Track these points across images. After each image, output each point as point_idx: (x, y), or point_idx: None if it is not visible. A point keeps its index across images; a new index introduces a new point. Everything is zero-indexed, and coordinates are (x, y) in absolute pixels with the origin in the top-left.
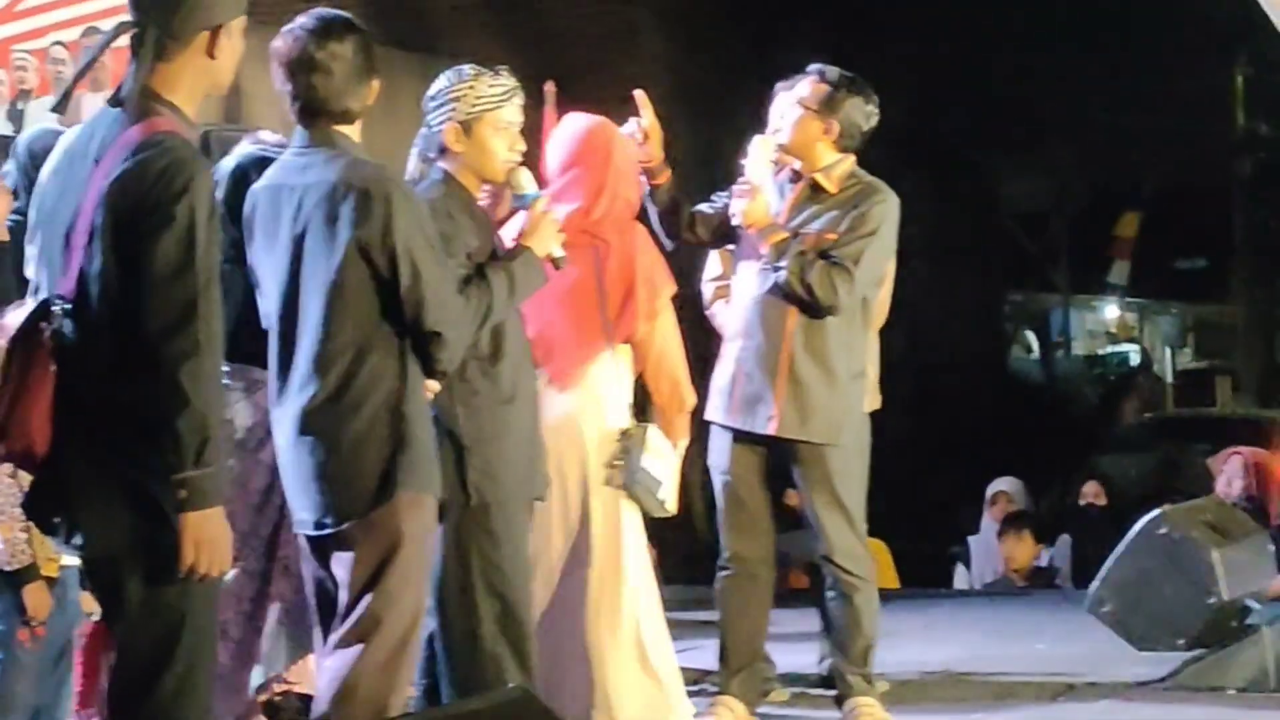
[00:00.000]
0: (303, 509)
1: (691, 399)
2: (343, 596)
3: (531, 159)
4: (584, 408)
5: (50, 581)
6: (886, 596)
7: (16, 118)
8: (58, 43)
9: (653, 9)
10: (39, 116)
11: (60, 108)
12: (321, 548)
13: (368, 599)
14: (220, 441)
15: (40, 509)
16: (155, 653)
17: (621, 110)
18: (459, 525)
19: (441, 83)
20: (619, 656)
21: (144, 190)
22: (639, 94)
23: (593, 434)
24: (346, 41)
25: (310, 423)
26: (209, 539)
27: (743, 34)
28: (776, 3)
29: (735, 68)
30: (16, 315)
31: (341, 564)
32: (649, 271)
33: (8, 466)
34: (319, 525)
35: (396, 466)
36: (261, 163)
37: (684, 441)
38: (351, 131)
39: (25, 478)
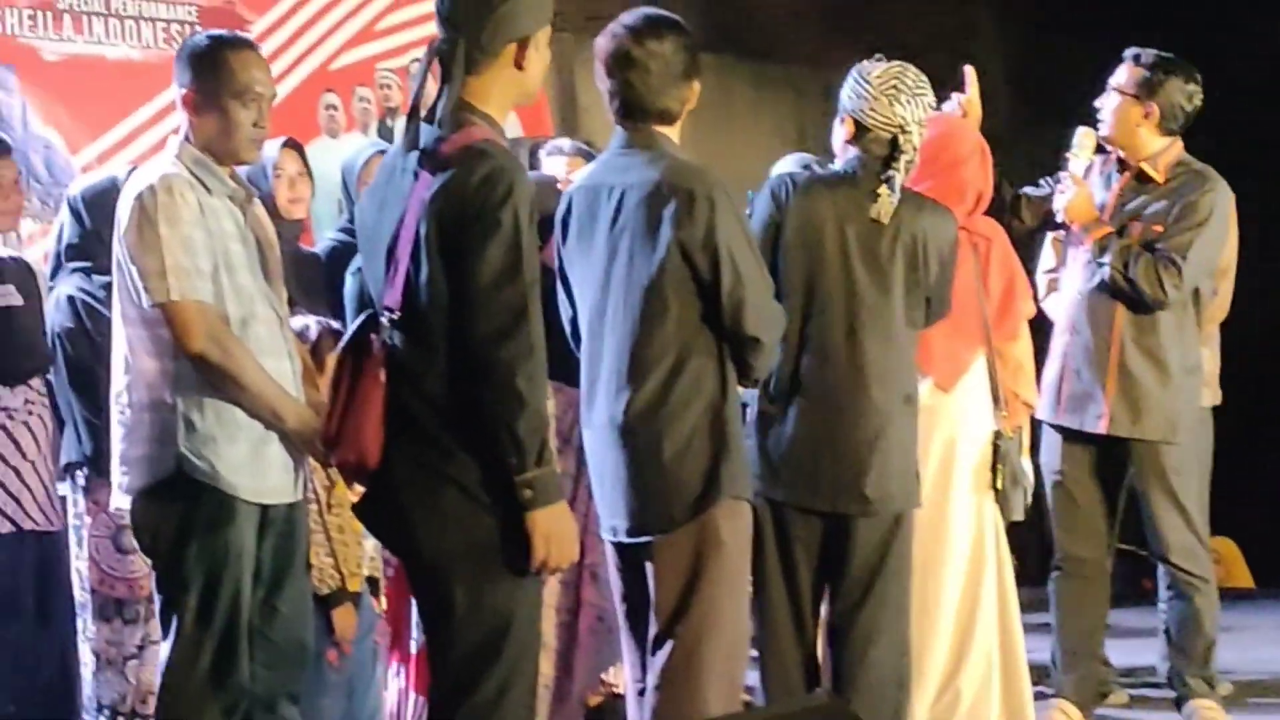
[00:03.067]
0: (617, 516)
1: (1036, 403)
2: (659, 603)
3: None
4: (961, 409)
5: (354, 598)
6: (1239, 595)
7: (386, 135)
8: (417, 60)
9: (992, 8)
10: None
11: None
12: (633, 555)
13: (693, 606)
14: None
15: (372, 517)
16: (481, 655)
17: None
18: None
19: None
20: (974, 654)
21: (467, 198)
22: (969, 69)
23: (966, 436)
24: (666, 40)
25: (630, 430)
26: (558, 534)
27: (1085, 31)
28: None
29: (1075, 65)
30: (298, 322)
31: (658, 571)
32: (1020, 268)
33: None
34: (636, 532)
35: (720, 473)
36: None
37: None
38: (672, 133)
39: (323, 502)
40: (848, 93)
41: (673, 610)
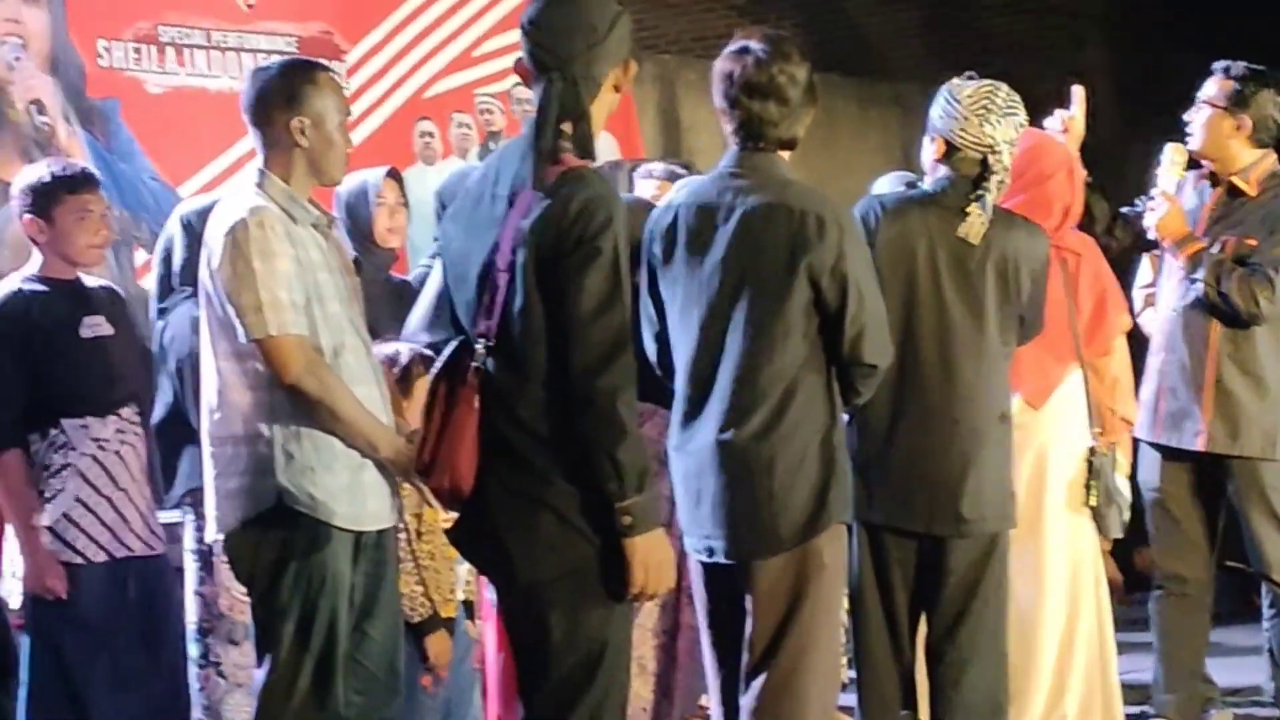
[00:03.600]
0: (715, 538)
1: (1136, 419)
2: (757, 626)
3: None
4: (1053, 426)
5: (448, 624)
6: None
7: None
8: (519, 84)
9: (1096, 20)
10: None
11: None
12: (730, 576)
13: (792, 630)
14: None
15: (467, 542)
16: (575, 680)
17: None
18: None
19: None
20: (1075, 674)
21: (566, 227)
22: (1077, 89)
23: (1059, 453)
24: (801, 66)
25: (741, 451)
26: (657, 560)
27: (1191, 43)
28: (1227, 9)
29: (1184, 80)
30: (389, 347)
31: (758, 594)
32: (1113, 282)
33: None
34: (738, 555)
35: (828, 498)
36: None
37: (1127, 462)
38: (786, 156)
39: (413, 530)
40: (938, 111)
41: (772, 634)
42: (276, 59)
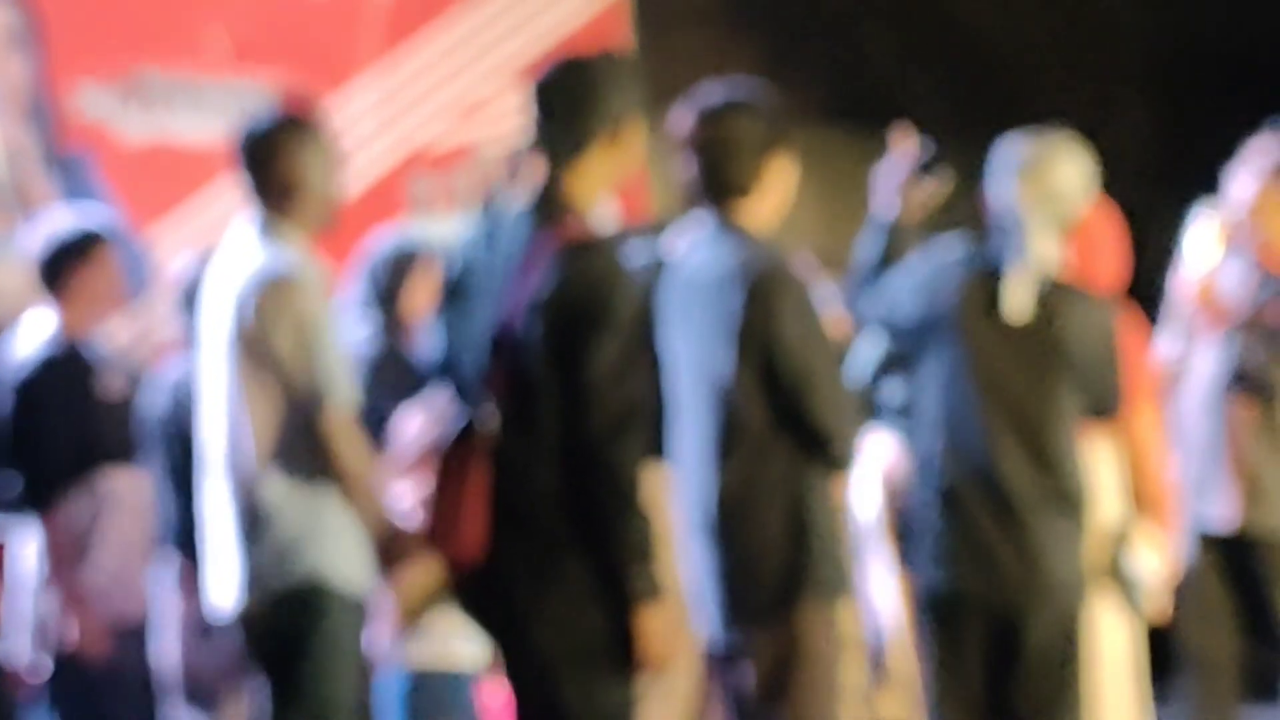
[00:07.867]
0: (701, 613)
1: (1172, 497)
2: (745, 706)
3: None
4: None
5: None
6: None
7: (490, 215)
8: (514, 137)
9: (1131, 81)
10: None
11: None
12: (723, 653)
13: (776, 710)
14: None
15: (479, 608)
16: None
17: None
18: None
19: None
20: None
21: (578, 295)
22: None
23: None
24: (744, 118)
25: (711, 525)
26: (667, 628)
27: (1233, 104)
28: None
29: (1221, 139)
30: (414, 422)
31: (742, 673)
32: (1132, 354)
33: None
34: (719, 630)
35: (800, 573)
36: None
37: (1156, 539)
38: (756, 209)
39: None
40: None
41: (757, 714)
42: (267, 107)
